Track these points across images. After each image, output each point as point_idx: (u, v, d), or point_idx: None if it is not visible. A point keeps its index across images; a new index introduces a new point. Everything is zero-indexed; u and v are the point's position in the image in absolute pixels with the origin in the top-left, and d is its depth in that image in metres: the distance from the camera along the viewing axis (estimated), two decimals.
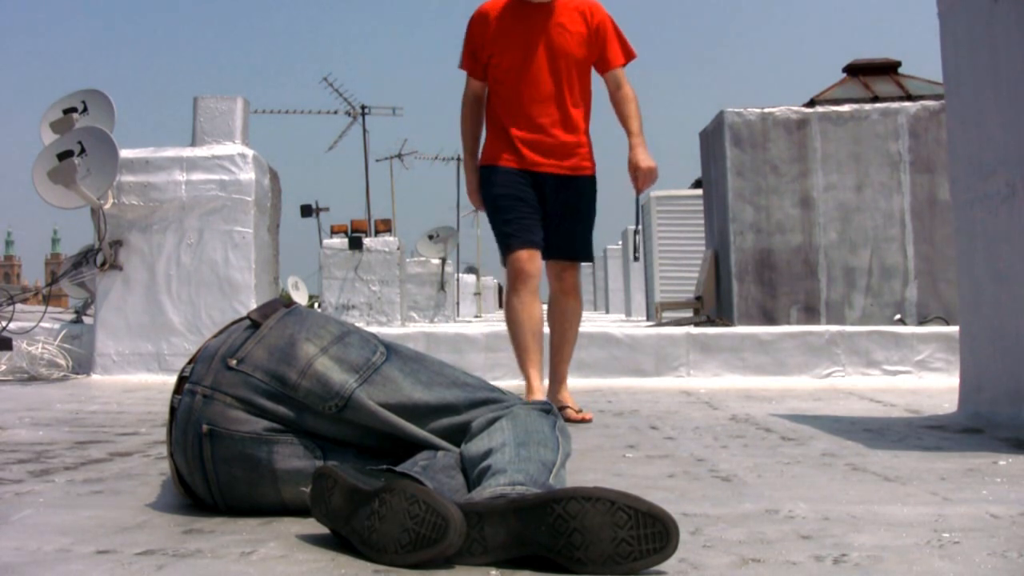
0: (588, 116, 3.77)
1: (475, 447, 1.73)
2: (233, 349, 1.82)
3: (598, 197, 3.85)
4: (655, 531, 1.36)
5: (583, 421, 3.48)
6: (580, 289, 3.81)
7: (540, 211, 3.65)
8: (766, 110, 8.11)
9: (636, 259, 3.79)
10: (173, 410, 1.84)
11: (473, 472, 1.67)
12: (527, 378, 3.62)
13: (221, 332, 1.92)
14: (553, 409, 1.91)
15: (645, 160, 3.66)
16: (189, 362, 1.88)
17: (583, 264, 3.91)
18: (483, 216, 3.91)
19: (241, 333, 1.85)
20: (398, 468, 1.61)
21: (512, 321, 3.64)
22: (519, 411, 1.83)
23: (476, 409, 1.83)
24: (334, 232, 12.41)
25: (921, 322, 7.47)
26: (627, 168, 3.69)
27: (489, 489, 1.50)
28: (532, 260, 3.61)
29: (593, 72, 3.79)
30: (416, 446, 1.80)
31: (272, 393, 1.78)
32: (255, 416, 1.77)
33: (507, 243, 3.62)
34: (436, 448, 1.79)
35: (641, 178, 3.67)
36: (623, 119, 3.75)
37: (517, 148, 3.63)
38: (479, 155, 3.78)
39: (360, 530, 1.49)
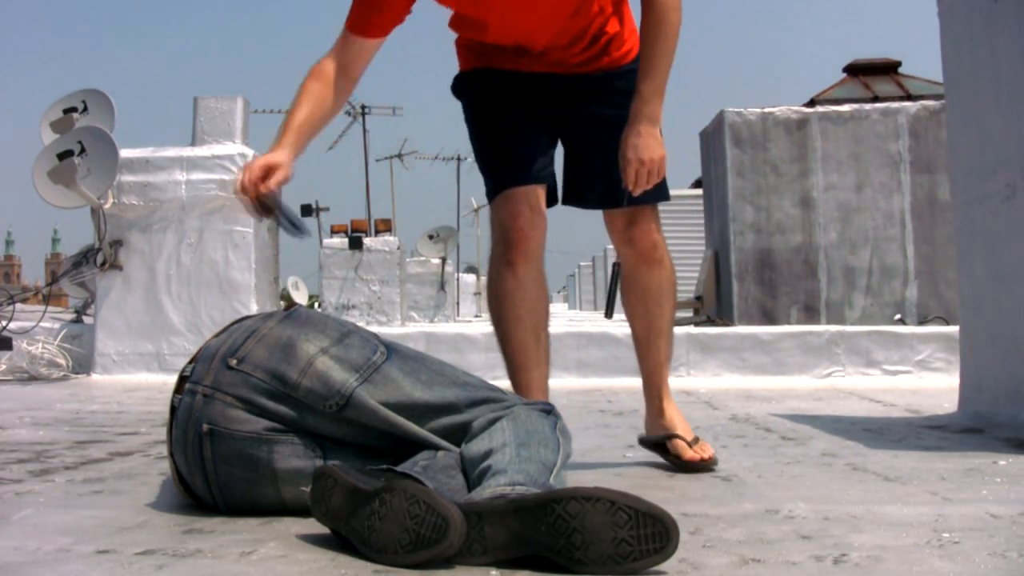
0: None
1: (475, 447, 1.73)
2: (233, 348, 1.82)
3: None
4: (655, 531, 1.36)
5: (703, 463, 2.33)
6: (662, 248, 2.43)
7: (547, 128, 2.34)
8: (766, 110, 8.10)
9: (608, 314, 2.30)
10: (173, 409, 1.84)
11: (473, 472, 1.67)
12: None
13: (222, 332, 1.93)
14: (554, 410, 1.90)
15: (644, 148, 2.13)
16: (190, 362, 1.89)
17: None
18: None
19: (241, 333, 1.86)
20: (398, 468, 1.61)
21: (501, 315, 2.32)
22: (520, 411, 1.82)
23: (476, 408, 1.84)
24: (334, 232, 12.39)
25: (921, 322, 7.47)
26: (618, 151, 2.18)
27: (489, 489, 1.50)
28: (528, 209, 2.26)
29: None
30: (416, 446, 1.80)
31: (272, 392, 1.78)
32: (255, 416, 1.77)
33: (489, 184, 2.34)
34: (436, 448, 1.79)
35: (631, 172, 2.15)
36: (641, 59, 2.20)
37: (501, 49, 2.33)
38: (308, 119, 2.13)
39: (360, 530, 1.49)
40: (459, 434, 1.81)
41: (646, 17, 2.19)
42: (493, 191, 2.33)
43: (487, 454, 1.68)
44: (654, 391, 2.54)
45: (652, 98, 2.17)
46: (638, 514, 1.36)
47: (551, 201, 2.38)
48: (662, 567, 1.40)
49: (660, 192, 2.36)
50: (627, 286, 2.47)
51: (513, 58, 2.34)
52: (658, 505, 1.39)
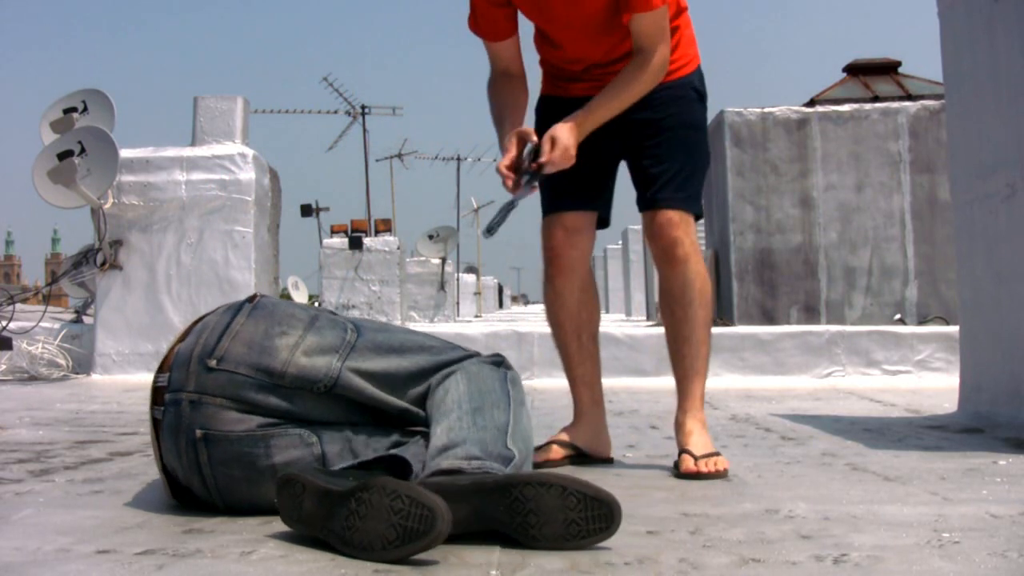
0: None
1: (432, 411, 1.81)
2: (208, 349, 1.80)
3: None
4: (601, 513, 1.51)
5: (703, 475, 2.25)
6: (688, 247, 2.41)
7: (599, 158, 2.44)
8: (766, 110, 8.10)
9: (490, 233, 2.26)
10: (156, 421, 1.83)
11: (431, 437, 1.74)
12: (573, 398, 2.59)
13: (187, 335, 1.89)
14: (505, 361, 1.98)
15: (563, 134, 2.23)
16: (160, 371, 1.86)
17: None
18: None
19: (212, 332, 1.83)
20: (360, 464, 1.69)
21: (549, 320, 2.60)
22: (471, 368, 1.90)
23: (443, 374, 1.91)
24: (334, 232, 12.39)
25: (921, 322, 7.47)
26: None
27: (447, 461, 1.61)
28: (562, 232, 2.48)
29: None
30: (402, 419, 1.88)
31: (261, 385, 1.77)
32: (248, 413, 1.77)
33: (542, 207, 2.57)
34: (416, 419, 1.87)
35: (545, 142, 2.22)
36: (614, 83, 2.35)
37: (552, 67, 2.57)
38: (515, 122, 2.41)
39: (339, 531, 1.49)
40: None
41: (634, 62, 2.34)
42: (542, 214, 2.55)
43: (443, 420, 1.75)
44: (680, 404, 2.46)
45: (595, 113, 2.31)
46: (586, 498, 1.51)
47: (603, 223, 2.57)
48: (662, 567, 1.41)
49: (687, 199, 2.44)
50: (659, 289, 2.55)
51: (566, 85, 2.53)
52: (604, 489, 1.52)
